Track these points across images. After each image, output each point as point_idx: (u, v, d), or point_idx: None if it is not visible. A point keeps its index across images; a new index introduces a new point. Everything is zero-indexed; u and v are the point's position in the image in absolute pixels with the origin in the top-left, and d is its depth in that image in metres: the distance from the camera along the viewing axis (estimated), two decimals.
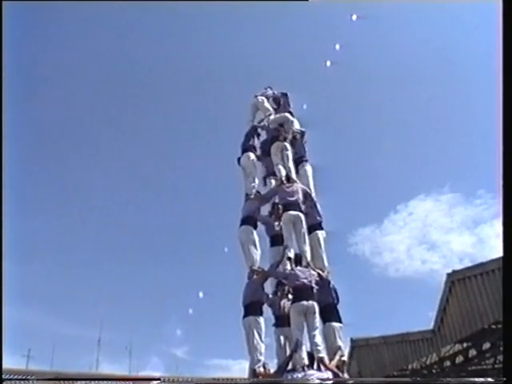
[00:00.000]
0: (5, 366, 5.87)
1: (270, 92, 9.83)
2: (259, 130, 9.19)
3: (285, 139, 8.49)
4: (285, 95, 9.63)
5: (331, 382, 6.01)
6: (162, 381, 7.31)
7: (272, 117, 9.09)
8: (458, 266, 17.88)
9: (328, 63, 9.33)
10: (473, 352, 16.18)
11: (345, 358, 6.48)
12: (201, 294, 8.10)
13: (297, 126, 9.13)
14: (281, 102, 9.61)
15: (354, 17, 9.54)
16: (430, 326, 16.05)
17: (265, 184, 8.72)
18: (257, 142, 9.02)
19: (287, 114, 8.99)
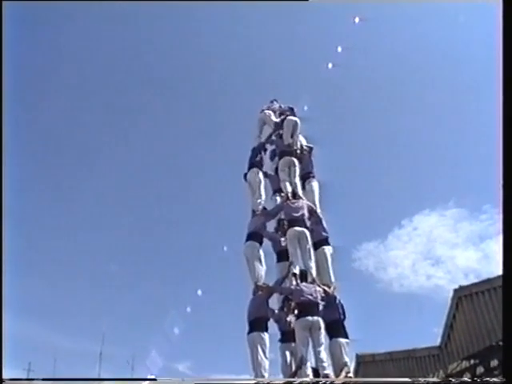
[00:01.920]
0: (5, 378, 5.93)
1: (276, 105, 9.86)
2: (267, 145, 9.26)
3: (293, 154, 8.55)
4: (291, 109, 9.63)
5: (331, 381, 6.03)
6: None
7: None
8: (463, 282, 17.72)
9: (330, 65, 9.43)
10: (480, 369, 15.95)
11: (351, 375, 6.45)
12: (199, 292, 8.14)
13: (303, 141, 9.22)
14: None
15: (357, 19, 9.59)
16: (435, 342, 15.88)
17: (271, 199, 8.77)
18: (264, 158, 9.09)
19: (295, 118, 9.08)
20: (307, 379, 5.98)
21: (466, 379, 12.40)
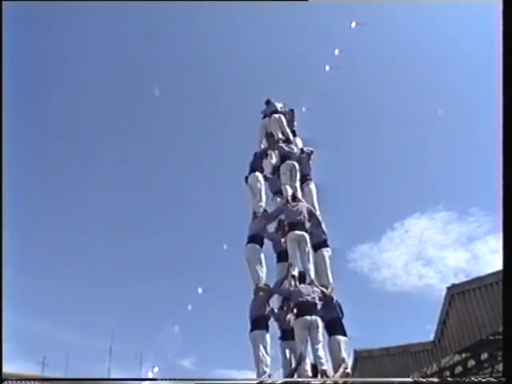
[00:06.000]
0: (19, 371, 6.16)
1: (273, 108, 9.84)
2: (269, 151, 9.46)
3: (295, 158, 8.82)
4: (291, 111, 9.87)
5: (331, 381, 6.37)
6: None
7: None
8: (454, 281, 18.23)
9: (327, 67, 9.56)
10: (471, 362, 16.41)
11: (349, 370, 6.66)
12: (200, 290, 8.41)
13: (300, 144, 9.51)
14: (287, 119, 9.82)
15: (353, 24, 9.57)
16: (429, 338, 16.34)
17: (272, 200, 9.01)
18: (265, 163, 9.31)
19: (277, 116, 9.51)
20: (310, 379, 6.29)
21: (472, 379, 12.81)
